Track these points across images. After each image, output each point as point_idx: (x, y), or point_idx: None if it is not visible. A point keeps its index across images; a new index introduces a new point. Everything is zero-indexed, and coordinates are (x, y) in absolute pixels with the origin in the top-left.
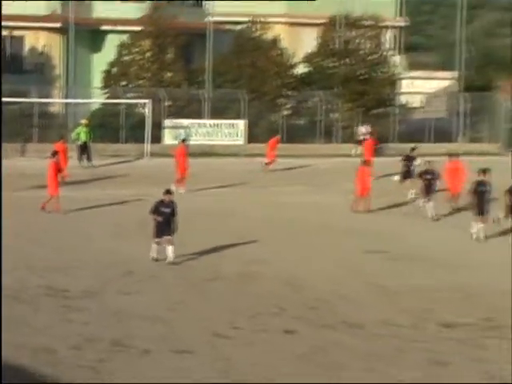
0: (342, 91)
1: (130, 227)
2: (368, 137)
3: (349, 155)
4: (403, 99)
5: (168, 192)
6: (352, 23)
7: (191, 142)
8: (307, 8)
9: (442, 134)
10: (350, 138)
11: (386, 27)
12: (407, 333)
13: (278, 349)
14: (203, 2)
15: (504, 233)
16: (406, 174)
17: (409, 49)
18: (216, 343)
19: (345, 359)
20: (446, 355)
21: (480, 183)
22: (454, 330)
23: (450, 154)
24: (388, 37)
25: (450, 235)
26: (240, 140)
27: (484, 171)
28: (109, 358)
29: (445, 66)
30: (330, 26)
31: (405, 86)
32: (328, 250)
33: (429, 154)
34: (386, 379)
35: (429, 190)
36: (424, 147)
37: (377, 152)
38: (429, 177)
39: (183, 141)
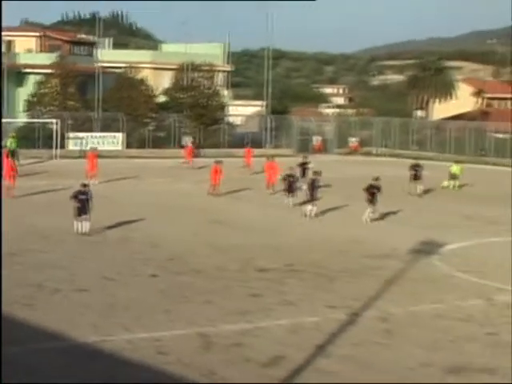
0: (189, 114)
1: (49, 207)
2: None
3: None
4: (230, 119)
5: (84, 184)
6: (195, 68)
7: (86, 148)
8: (165, 57)
9: (256, 142)
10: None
11: (218, 71)
12: (235, 275)
13: (146, 287)
14: (94, 52)
15: (321, 213)
16: (303, 174)
17: (233, 85)
18: (105, 284)
19: (191, 294)
20: (259, 290)
21: (314, 180)
22: (265, 273)
23: (268, 156)
24: (219, 77)
25: (271, 213)
26: (119, 147)
27: (316, 172)
28: (35, 295)
29: (257, 97)
30: (180, 69)
31: (231, 110)
32: (183, 222)
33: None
34: (220, 308)
35: (291, 187)
36: (240, 151)
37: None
38: (291, 179)
39: (93, 149)
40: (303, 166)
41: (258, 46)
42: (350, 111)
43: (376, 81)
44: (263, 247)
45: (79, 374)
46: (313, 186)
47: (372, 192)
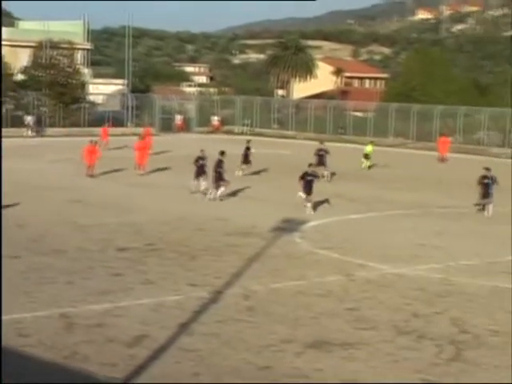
0: (49, 92)
1: None
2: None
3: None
4: (91, 98)
5: None
6: (54, 46)
7: None
8: (22, 35)
9: (118, 121)
10: (54, 124)
11: (78, 49)
12: (96, 255)
13: (9, 268)
14: None
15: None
16: (245, 159)
17: (94, 64)
18: None
19: (53, 275)
20: (120, 269)
21: (220, 161)
22: (125, 253)
23: (139, 136)
24: (79, 55)
25: (136, 192)
26: None
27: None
28: None
29: (118, 75)
30: (38, 47)
31: (92, 89)
32: (45, 202)
33: (110, 135)
34: (81, 289)
35: (201, 171)
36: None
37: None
38: (201, 162)
39: None
40: (246, 151)
41: (119, 25)
42: (211, 90)
43: (237, 60)
44: (124, 226)
45: None
46: (218, 167)
47: (309, 180)
